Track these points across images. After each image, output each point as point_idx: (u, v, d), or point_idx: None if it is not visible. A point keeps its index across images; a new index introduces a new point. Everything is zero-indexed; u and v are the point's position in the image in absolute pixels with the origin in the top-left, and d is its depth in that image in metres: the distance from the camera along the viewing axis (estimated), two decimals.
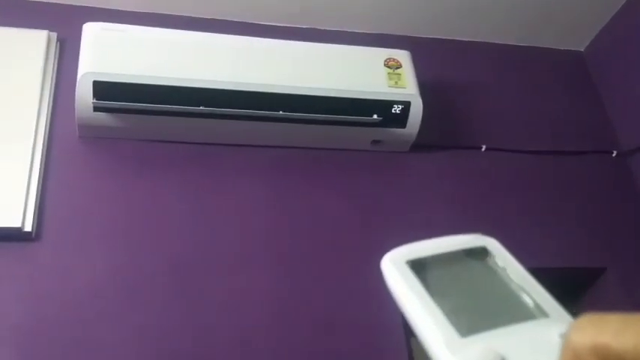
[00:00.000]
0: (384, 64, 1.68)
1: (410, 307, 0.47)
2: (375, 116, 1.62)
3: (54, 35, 1.67)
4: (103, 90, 1.46)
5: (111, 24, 1.56)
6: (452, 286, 0.50)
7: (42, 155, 1.50)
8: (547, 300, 0.48)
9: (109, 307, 1.39)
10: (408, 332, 1.53)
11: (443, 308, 0.46)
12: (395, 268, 0.50)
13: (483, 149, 1.86)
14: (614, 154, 1.97)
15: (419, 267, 0.50)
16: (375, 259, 1.70)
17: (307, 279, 1.53)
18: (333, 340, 1.47)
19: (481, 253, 0.53)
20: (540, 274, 1.76)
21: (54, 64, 1.64)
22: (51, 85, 1.61)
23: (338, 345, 1.46)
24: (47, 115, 1.56)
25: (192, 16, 1.83)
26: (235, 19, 1.87)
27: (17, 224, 1.38)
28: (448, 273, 0.51)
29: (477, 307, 0.48)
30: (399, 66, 1.69)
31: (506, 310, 0.48)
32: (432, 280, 0.49)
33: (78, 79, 1.47)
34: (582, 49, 2.20)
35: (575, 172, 1.91)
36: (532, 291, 0.49)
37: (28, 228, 1.40)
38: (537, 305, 0.48)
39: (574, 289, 1.87)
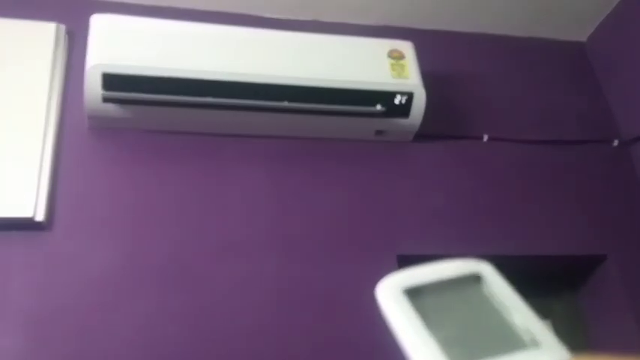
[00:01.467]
0: (388, 55, 1.70)
1: (406, 338, 0.49)
2: (378, 107, 1.64)
3: (62, 27, 1.69)
4: (112, 81, 1.49)
5: (119, 16, 1.59)
6: (446, 315, 0.51)
7: (52, 146, 1.53)
8: (539, 329, 0.50)
9: (119, 294, 1.42)
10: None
11: (438, 339, 0.48)
12: (391, 296, 0.51)
13: (485, 139, 1.88)
14: (615, 144, 1.99)
15: (414, 294, 0.51)
16: (377, 248, 1.73)
17: (311, 268, 1.56)
18: (335, 327, 1.49)
19: (475, 279, 0.54)
20: (542, 261, 1.80)
21: (63, 56, 1.67)
22: (60, 77, 1.63)
23: (340, 332, 1.49)
24: (57, 106, 1.59)
25: (199, 8, 1.85)
26: (240, 12, 1.89)
27: (29, 214, 1.41)
28: (443, 301, 0.52)
29: (471, 337, 0.50)
30: (402, 57, 1.71)
31: (499, 340, 0.49)
32: (426, 309, 0.50)
33: (87, 71, 1.49)
34: (584, 40, 2.21)
35: (576, 162, 1.93)
36: (525, 319, 0.50)
37: (39, 218, 1.42)
38: (530, 334, 0.49)
39: (575, 277, 1.90)
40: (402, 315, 0.50)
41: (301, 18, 1.94)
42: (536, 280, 1.87)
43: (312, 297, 1.52)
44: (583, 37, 2.21)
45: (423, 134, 1.78)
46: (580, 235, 1.80)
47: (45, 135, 1.52)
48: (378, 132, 1.75)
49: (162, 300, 1.43)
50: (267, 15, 1.91)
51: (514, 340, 0.49)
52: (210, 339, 1.42)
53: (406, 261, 1.61)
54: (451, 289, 0.53)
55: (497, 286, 0.53)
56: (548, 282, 1.89)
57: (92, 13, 1.58)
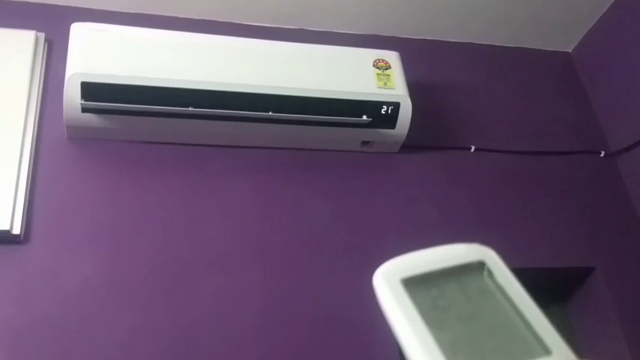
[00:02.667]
0: (374, 65, 1.69)
1: (404, 337, 0.45)
2: (364, 117, 1.62)
3: (42, 36, 1.66)
4: (91, 91, 1.45)
5: (99, 24, 1.55)
6: (449, 311, 0.47)
7: (30, 157, 1.49)
8: (549, 331, 0.46)
9: (98, 308, 1.38)
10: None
11: (439, 342, 0.44)
12: (388, 287, 0.47)
13: (472, 150, 1.87)
14: (602, 155, 1.99)
15: (413, 285, 0.48)
16: (364, 260, 1.71)
17: (296, 279, 1.53)
18: (321, 339, 1.47)
19: (479, 267, 0.50)
20: (529, 273, 1.78)
21: (42, 65, 1.63)
22: (39, 86, 1.60)
23: (327, 344, 1.46)
24: (35, 116, 1.55)
25: (181, 16, 1.83)
26: (223, 20, 1.86)
27: (5, 227, 1.37)
28: (445, 293, 0.48)
29: (475, 340, 0.45)
30: (389, 67, 1.69)
31: (506, 345, 0.45)
32: (427, 303, 0.47)
33: (66, 80, 1.46)
34: (570, 50, 2.21)
35: (563, 173, 1.92)
36: (533, 320, 0.46)
37: (16, 231, 1.39)
38: (539, 339, 0.45)
39: (563, 289, 1.88)
40: (400, 310, 0.46)
41: (287, 27, 1.92)
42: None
43: (297, 309, 1.49)
44: (569, 48, 2.21)
45: (410, 145, 1.76)
46: (568, 247, 1.79)
47: (22, 145, 1.49)
48: (364, 142, 1.73)
49: (144, 314, 1.40)
50: (253, 23, 1.89)
51: (523, 346, 0.45)
52: (193, 354, 1.38)
53: None
54: (453, 279, 0.49)
55: (502, 277, 0.49)
56: (537, 294, 1.85)
57: (72, 22, 1.55)
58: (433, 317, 0.46)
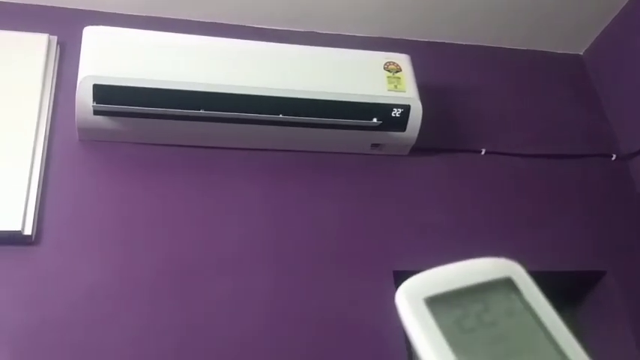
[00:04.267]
0: (384, 68, 1.69)
1: None
2: (374, 120, 1.62)
3: (54, 39, 1.67)
4: (103, 93, 1.46)
5: (111, 27, 1.56)
6: (474, 334, 0.44)
7: (42, 158, 1.50)
8: (579, 355, 0.43)
9: (108, 309, 1.38)
10: (407, 336, 1.52)
11: None
12: (411, 307, 0.45)
13: (483, 153, 1.86)
14: (613, 158, 1.97)
15: (437, 304, 0.45)
16: (373, 263, 1.71)
17: (305, 282, 1.53)
18: (330, 343, 1.47)
19: (505, 284, 0.48)
20: (540, 277, 1.76)
21: (54, 68, 1.64)
22: (51, 88, 1.61)
23: (337, 348, 1.46)
24: (47, 118, 1.57)
25: (192, 19, 1.84)
26: (234, 23, 1.87)
27: (17, 228, 1.38)
28: (470, 314, 0.46)
29: None
30: (399, 70, 1.69)
31: None
32: (451, 324, 0.44)
33: (78, 83, 1.47)
34: (581, 53, 2.20)
35: (574, 176, 1.91)
36: (563, 342, 0.44)
37: (27, 231, 1.40)
38: None
39: (574, 293, 1.87)
40: (423, 333, 0.44)
41: (297, 29, 1.92)
42: None
43: (307, 312, 1.49)
44: (580, 51, 2.20)
45: (420, 148, 1.76)
46: (579, 250, 1.78)
47: (34, 147, 1.50)
48: (374, 145, 1.73)
49: (153, 315, 1.40)
50: (263, 26, 1.89)
51: None
52: (201, 355, 1.38)
53: (402, 276, 1.58)
54: (479, 298, 0.47)
55: (530, 295, 0.47)
56: (548, 297, 1.86)
57: (85, 25, 1.56)
58: (458, 340, 0.44)
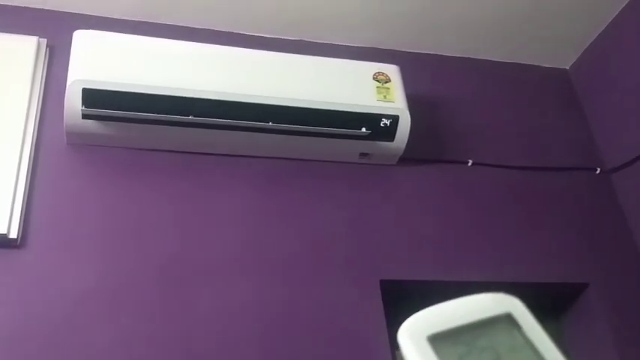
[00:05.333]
0: (373, 78, 1.70)
1: None
2: (363, 129, 1.63)
3: (43, 41, 1.67)
4: (92, 97, 1.46)
5: (101, 32, 1.56)
6: None
7: (29, 161, 1.49)
8: None
9: (94, 313, 1.38)
10: (393, 345, 1.53)
11: None
12: (415, 346, 0.46)
13: (470, 164, 1.88)
14: (597, 171, 2.00)
15: (440, 341, 0.46)
16: (361, 272, 1.71)
17: (293, 290, 1.53)
18: (317, 352, 1.47)
19: (506, 320, 0.49)
20: (524, 288, 1.78)
21: (43, 71, 1.64)
22: (40, 91, 1.60)
23: (324, 356, 1.46)
24: (35, 121, 1.56)
25: (183, 25, 1.84)
26: (225, 30, 1.88)
27: (2, 231, 1.37)
28: (472, 351, 0.46)
29: None
30: (388, 80, 1.71)
31: None
32: None
33: (67, 86, 1.47)
34: (567, 67, 2.23)
35: (559, 189, 1.93)
36: None
37: (13, 235, 1.39)
38: None
39: (557, 304, 1.88)
40: None
41: (287, 37, 1.93)
42: None
43: (293, 320, 1.49)
44: (566, 65, 2.23)
45: (408, 157, 1.77)
46: (562, 262, 1.80)
47: (22, 149, 1.49)
48: (363, 154, 1.74)
49: (140, 322, 1.40)
50: (253, 34, 1.90)
51: None
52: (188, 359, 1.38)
53: (389, 286, 1.59)
54: (480, 334, 0.48)
55: (531, 330, 0.48)
56: (531, 309, 1.87)
57: (74, 28, 1.56)
58: None
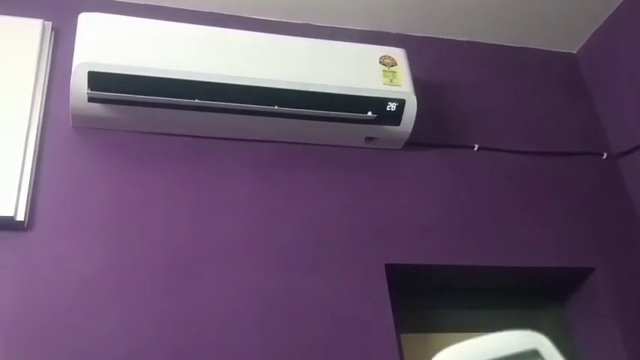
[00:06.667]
0: (380, 62, 1.69)
1: None
2: (369, 113, 1.62)
3: (49, 24, 1.66)
4: (98, 81, 1.46)
5: (107, 14, 1.56)
6: None
7: (35, 145, 1.49)
8: None
9: (100, 297, 1.38)
10: (399, 329, 1.54)
11: None
12: None
13: (476, 149, 1.87)
14: (604, 156, 1.99)
15: None
16: (366, 256, 1.71)
17: (298, 274, 1.53)
18: (324, 335, 1.47)
19: (532, 355, 0.50)
20: (530, 272, 1.78)
21: (48, 54, 1.63)
22: (45, 74, 1.60)
23: (329, 341, 1.47)
24: (41, 104, 1.56)
25: (189, 8, 1.83)
26: (231, 13, 1.86)
27: (9, 213, 1.37)
28: None
29: None
30: (395, 64, 1.70)
31: None
32: None
33: (73, 69, 1.46)
34: (575, 52, 2.21)
35: (565, 173, 1.92)
36: None
37: (20, 217, 1.39)
38: None
39: (562, 289, 1.89)
40: None
41: (294, 21, 1.92)
42: (523, 292, 1.87)
43: (298, 304, 1.49)
44: (574, 49, 2.21)
45: (414, 142, 1.77)
46: (568, 247, 1.79)
47: (28, 133, 1.49)
48: (369, 139, 1.73)
49: (146, 305, 1.40)
50: (260, 17, 1.89)
51: None
52: (196, 346, 1.39)
53: (394, 270, 1.60)
54: None
55: None
56: (536, 294, 1.88)
57: (79, 11, 1.55)
58: None
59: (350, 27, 1.97)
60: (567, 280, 1.84)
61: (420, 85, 1.72)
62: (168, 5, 1.81)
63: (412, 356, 1.68)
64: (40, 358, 1.30)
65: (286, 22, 1.91)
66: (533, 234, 1.78)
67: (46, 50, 1.63)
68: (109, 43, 1.50)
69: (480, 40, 2.11)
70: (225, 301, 1.45)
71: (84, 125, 1.56)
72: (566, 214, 1.84)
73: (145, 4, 1.80)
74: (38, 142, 1.51)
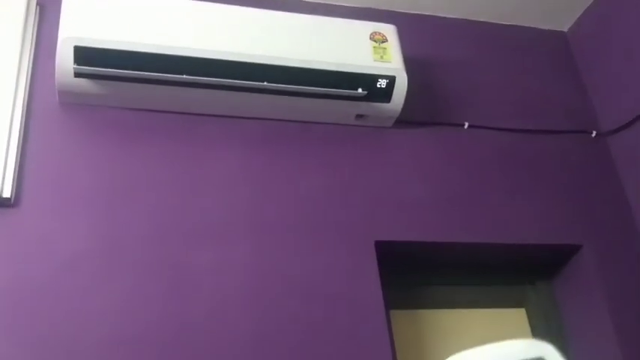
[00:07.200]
0: (370, 38, 1.68)
1: None
2: (359, 90, 1.61)
3: (33, 0, 1.63)
4: (84, 55, 1.44)
5: None
6: None
7: (21, 121, 1.47)
8: None
9: (87, 274, 1.38)
10: (388, 306, 1.54)
11: None
12: None
13: (466, 126, 1.87)
14: (593, 134, 2.00)
15: None
16: (354, 234, 1.71)
17: (287, 250, 1.53)
18: (312, 311, 1.48)
19: None
20: (518, 249, 1.79)
21: (33, 29, 1.60)
22: (30, 49, 1.57)
23: (317, 316, 1.47)
24: (27, 80, 1.53)
25: None
26: None
27: None
28: None
29: None
30: (385, 40, 1.68)
31: None
32: None
33: (58, 44, 1.44)
34: (565, 30, 2.21)
35: (554, 151, 1.93)
36: None
37: (6, 194, 1.37)
38: None
39: (550, 266, 1.90)
40: None
41: None
42: (511, 268, 1.88)
43: (288, 281, 1.49)
44: (564, 28, 2.20)
45: (404, 120, 1.76)
46: (556, 224, 1.80)
47: (13, 109, 1.47)
48: (359, 116, 1.72)
49: (135, 283, 1.40)
50: None
51: None
52: (184, 322, 1.38)
53: (384, 247, 1.60)
54: None
55: None
56: (524, 270, 1.89)
57: None
58: None
59: (340, 3, 1.95)
60: (555, 256, 1.85)
61: (410, 63, 1.72)
62: None
63: (401, 332, 1.70)
64: (25, 335, 1.29)
65: None
66: (521, 211, 1.78)
67: (31, 26, 1.60)
68: (95, 18, 1.48)
69: (471, 18, 2.10)
70: (214, 276, 1.45)
71: (70, 101, 1.54)
72: (555, 192, 1.85)
73: None
74: (24, 118, 1.49)
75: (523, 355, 0.51)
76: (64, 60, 1.44)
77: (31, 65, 1.56)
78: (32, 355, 1.28)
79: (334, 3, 1.94)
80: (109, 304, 1.36)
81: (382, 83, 1.64)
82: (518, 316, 1.87)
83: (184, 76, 1.49)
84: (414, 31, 1.92)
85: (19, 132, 1.46)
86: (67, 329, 1.31)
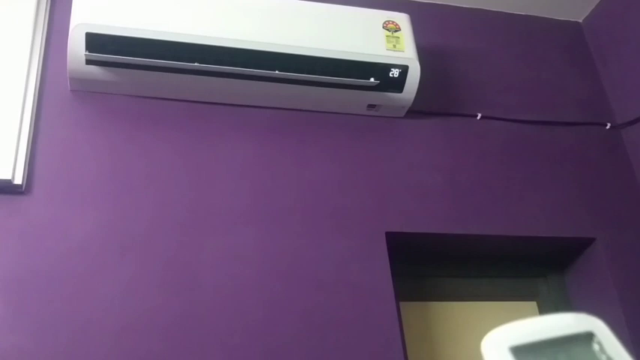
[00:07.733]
0: (383, 27, 1.66)
1: None
2: (372, 79, 1.60)
3: None
4: (96, 42, 1.43)
5: None
6: None
7: (33, 108, 1.47)
8: None
9: (98, 261, 1.38)
10: (398, 297, 1.53)
11: None
12: (498, 355, 0.48)
13: (478, 117, 1.85)
14: (607, 126, 1.97)
15: (522, 353, 0.48)
16: (365, 223, 1.69)
17: (298, 240, 1.53)
18: (323, 301, 1.47)
19: (587, 338, 0.50)
20: (531, 241, 1.77)
21: (45, 16, 1.60)
22: (42, 36, 1.57)
23: (328, 305, 1.47)
24: (38, 67, 1.53)
25: None
26: None
27: (7, 176, 1.36)
28: None
29: None
30: (398, 29, 1.67)
31: None
32: None
33: (70, 31, 1.44)
34: (580, 20, 2.18)
35: (568, 143, 1.91)
36: None
37: (18, 181, 1.38)
38: None
39: (563, 259, 1.89)
40: None
41: None
42: (524, 261, 1.87)
43: (298, 271, 1.49)
44: (579, 18, 2.18)
45: (416, 110, 1.75)
46: (569, 217, 1.79)
47: (25, 96, 1.47)
48: (371, 106, 1.71)
49: (144, 269, 1.40)
50: None
51: None
52: (193, 308, 1.38)
53: (395, 238, 1.59)
54: (562, 349, 0.49)
55: (613, 349, 0.49)
56: (536, 263, 1.88)
57: None
58: None
59: None
60: (568, 249, 1.84)
61: (423, 53, 1.70)
62: None
63: (411, 324, 1.69)
64: (37, 321, 1.29)
65: None
66: (534, 203, 1.77)
67: (43, 12, 1.60)
68: (107, 4, 1.47)
69: (485, 8, 2.07)
70: (226, 263, 1.44)
71: (82, 89, 1.53)
72: (568, 184, 1.83)
73: None
74: (36, 106, 1.49)
75: (573, 329, 0.50)
76: (76, 47, 1.44)
77: (43, 52, 1.56)
78: (42, 338, 1.28)
79: None
80: (117, 290, 1.36)
81: (395, 73, 1.62)
82: (529, 309, 1.86)
83: (196, 64, 1.48)
84: (428, 20, 1.90)
85: (31, 119, 1.46)
86: (75, 313, 1.32)
